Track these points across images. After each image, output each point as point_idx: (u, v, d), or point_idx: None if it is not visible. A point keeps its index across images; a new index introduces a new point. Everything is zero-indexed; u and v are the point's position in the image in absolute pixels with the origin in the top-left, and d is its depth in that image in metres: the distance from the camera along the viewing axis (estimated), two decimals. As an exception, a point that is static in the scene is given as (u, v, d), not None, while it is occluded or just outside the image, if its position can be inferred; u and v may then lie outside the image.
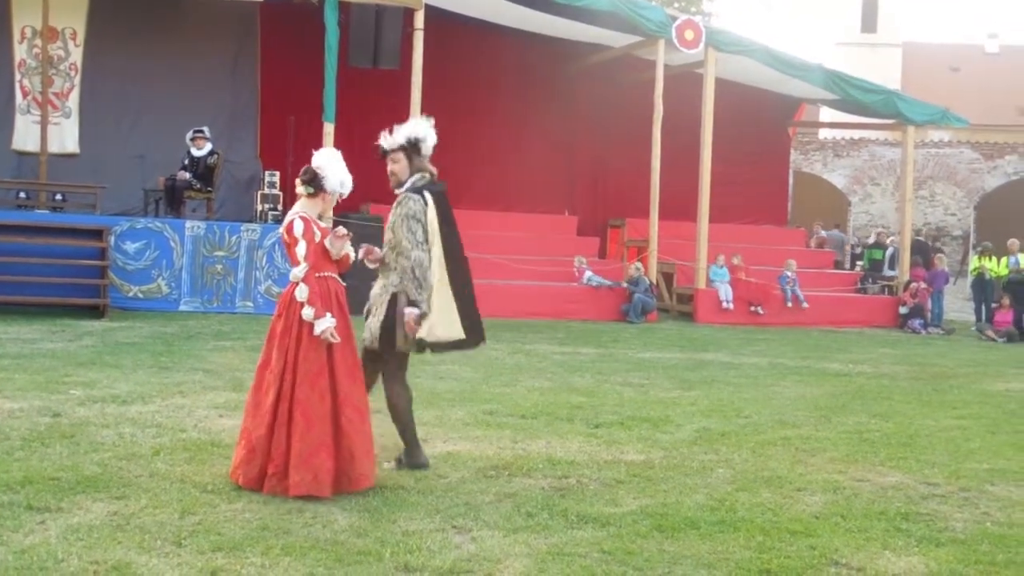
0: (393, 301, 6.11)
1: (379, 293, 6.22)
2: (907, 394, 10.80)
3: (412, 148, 6.29)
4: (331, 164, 5.98)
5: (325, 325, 5.61)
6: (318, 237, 5.78)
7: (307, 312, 5.62)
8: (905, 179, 21.91)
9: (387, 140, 6.32)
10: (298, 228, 5.76)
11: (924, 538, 5.39)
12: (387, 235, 6.25)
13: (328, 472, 5.57)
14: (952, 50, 48.42)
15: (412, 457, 6.38)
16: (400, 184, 6.29)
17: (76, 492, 5.42)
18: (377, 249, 6.28)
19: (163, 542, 4.72)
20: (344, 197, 6.10)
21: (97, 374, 9.26)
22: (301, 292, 5.67)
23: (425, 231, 6.09)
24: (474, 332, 6.31)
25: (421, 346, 6.19)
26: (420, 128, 6.35)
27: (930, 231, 30.52)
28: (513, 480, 6.24)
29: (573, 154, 21.55)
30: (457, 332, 6.21)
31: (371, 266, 6.29)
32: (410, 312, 6.02)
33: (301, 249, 5.73)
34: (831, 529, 5.48)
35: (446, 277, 6.18)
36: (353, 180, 6.07)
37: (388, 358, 6.25)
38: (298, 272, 5.72)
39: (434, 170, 6.38)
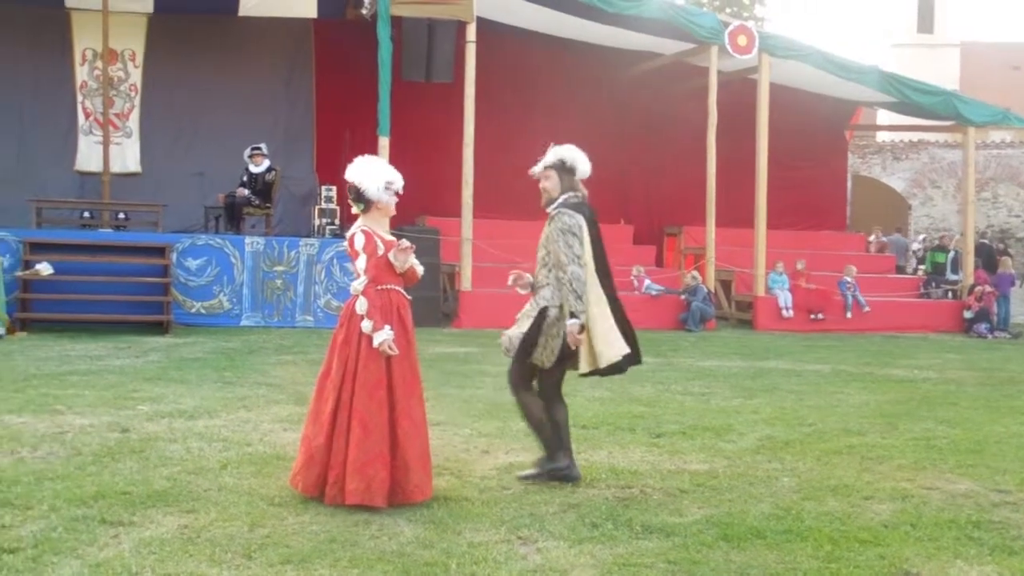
0: (541, 315, 6.24)
1: (528, 309, 6.36)
2: (974, 400, 10.63)
3: (563, 168, 6.43)
4: (364, 173, 5.92)
5: (383, 337, 5.64)
6: (380, 250, 5.80)
7: (366, 325, 5.66)
8: (967, 181, 21.62)
9: (542, 161, 6.51)
10: (359, 241, 5.79)
11: (996, 547, 5.30)
12: (539, 252, 6.39)
13: (382, 482, 5.59)
14: (1011, 48, 47.64)
15: (555, 462, 6.36)
16: (551, 201, 6.41)
17: (147, 506, 5.50)
18: (527, 275, 6.44)
19: (233, 555, 4.78)
20: (400, 193, 5.99)
21: (163, 389, 9.40)
22: (360, 305, 5.71)
23: (581, 245, 6.20)
24: (635, 352, 6.37)
25: (592, 371, 6.28)
26: (573, 153, 6.50)
27: (994, 233, 30.03)
28: (577, 491, 6.22)
29: (627, 163, 21.47)
30: (619, 352, 6.22)
31: (521, 292, 6.48)
32: (572, 324, 6.09)
33: (361, 263, 5.77)
34: (901, 538, 5.40)
35: (604, 299, 6.25)
36: (407, 191, 6.04)
37: (515, 367, 6.40)
38: (357, 285, 5.77)
39: (585, 191, 6.50)
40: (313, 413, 5.86)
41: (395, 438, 5.70)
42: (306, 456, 5.76)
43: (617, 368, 6.29)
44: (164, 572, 4.51)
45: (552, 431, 6.37)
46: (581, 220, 6.26)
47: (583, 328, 6.10)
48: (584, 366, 6.23)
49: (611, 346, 6.20)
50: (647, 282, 18.69)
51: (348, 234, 5.95)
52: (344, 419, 5.66)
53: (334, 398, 5.70)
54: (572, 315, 6.10)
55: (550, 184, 6.42)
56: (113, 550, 4.79)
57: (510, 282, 6.42)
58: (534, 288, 6.39)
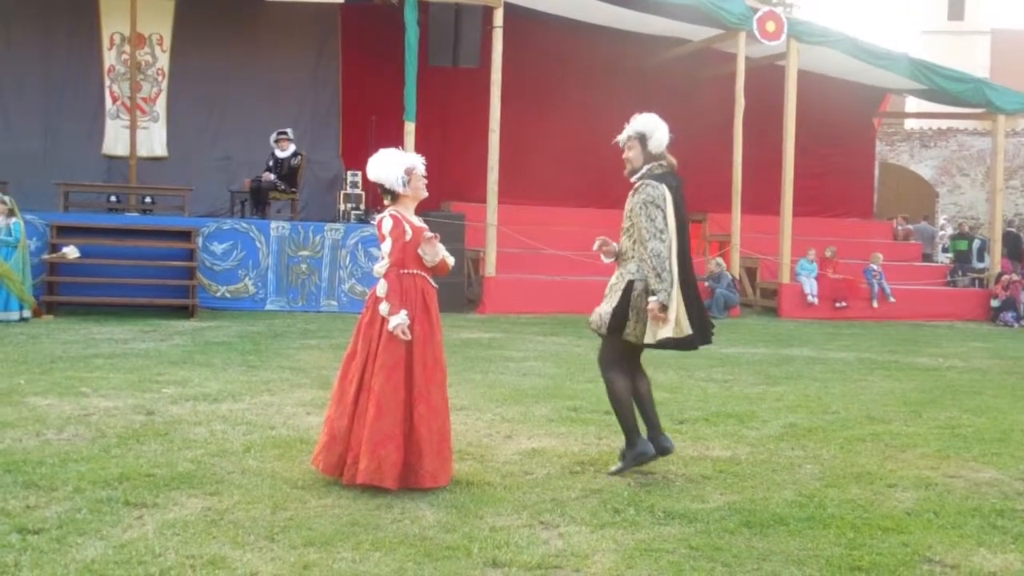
0: (628, 288, 6.12)
1: (615, 281, 6.25)
2: (1000, 389, 10.56)
3: (645, 138, 6.30)
4: (381, 169, 5.94)
5: (397, 321, 5.65)
6: (408, 235, 5.82)
7: (383, 307, 5.70)
8: (995, 169, 21.43)
9: (625, 131, 6.40)
10: (387, 225, 5.83)
11: (1020, 535, 5.27)
12: (624, 223, 6.29)
13: (394, 464, 5.60)
14: (1043, 36, 47.15)
15: (633, 448, 6.29)
16: (635, 171, 6.30)
17: (171, 488, 5.54)
18: (613, 243, 6.34)
19: (256, 537, 4.81)
20: (421, 176, 5.97)
21: (188, 373, 9.46)
22: (381, 288, 5.76)
23: (664, 218, 6.04)
24: (702, 331, 6.19)
25: (646, 344, 6.17)
26: (651, 123, 6.34)
27: (1022, 221, 29.75)
28: (599, 476, 6.23)
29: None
30: (683, 329, 6.03)
31: (606, 260, 6.37)
32: (652, 302, 5.95)
33: (386, 246, 5.80)
34: (924, 526, 5.38)
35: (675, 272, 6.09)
36: (432, 177, 6.05)
37: (607, 344, 6.28)
38: (380, 268, 5.81)
39: (674, 160, 6.33)
40: (337, 394, 5.90)
41: (410, 421, 5.72)
42: (328, 436, 5.81)
43: (684, 343, 6.11)
44: (187, 554, 4.55)
45: (611, 404, 6.33)
46: (664, 191, 6.09)
47: (664, 307, 5.92)
48: (648, 337, 6.08)
49: (672, 325, 5.99)
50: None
51: (377, 218, 5.98)
52: (364, 400, 5.70)
53: (358, 380, 5.75)
54: (652, 292, 5.97)
55: (633, 155, 6.30)
56: (137, 531, 4.83)
57: (595, 247, 6.28)
58: (619, 257, 6.29)
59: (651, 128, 6.31)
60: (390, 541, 4.82)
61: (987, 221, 23.86)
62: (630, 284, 6.12)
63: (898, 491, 6.11)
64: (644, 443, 6.28)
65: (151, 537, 4.74)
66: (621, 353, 6.30)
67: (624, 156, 6.36)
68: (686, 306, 6.06)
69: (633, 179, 6.28)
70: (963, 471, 6.68)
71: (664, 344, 6.06)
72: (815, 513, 5.54)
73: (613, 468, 6.30)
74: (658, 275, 5.94)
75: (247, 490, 5.57)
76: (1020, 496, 6.08)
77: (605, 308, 6.20)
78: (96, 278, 14.33)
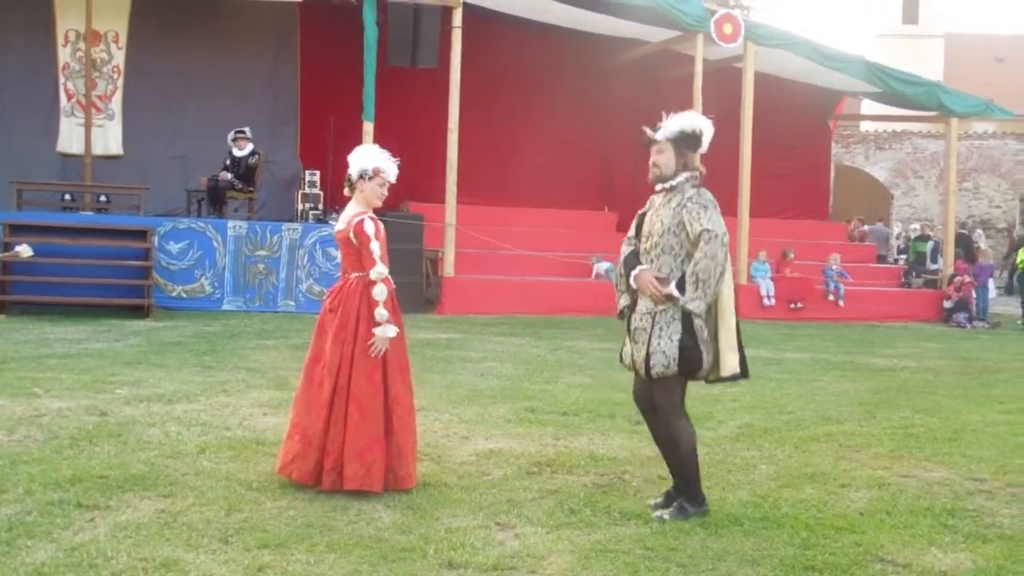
0: (688, 319, 5.30)
1: (660, 310, 5.37)
2: (952, 389, 10.69)
3: (686, 142, 5.43)
4: (361, 155, 5.92)
5: (389, 334, 5.65)
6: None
7: (382, 313, 5.63)
8: (949, 172, 21.68)
9: (659, 129, 5.49)
10: (370, 228, 5.72)
11: (971, 534, 5.34)
12: (658, 239, 5.42)
13: (381, 468, 5.60)
14: (995, 40, 47.80)
15: (701, 506, 5.49)
16: (663, 179, 5.46)
17: (124, 490, 5.49)
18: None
19: (210, 539, 4.77)
20: (383, 182, 5.83)
21: (143, 373, 9.37)
22: (380, 292, 5.67)
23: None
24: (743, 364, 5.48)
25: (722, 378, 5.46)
26: (700, 121, 5.50)
27: (974, 223, 30.16)
28: (556, 477, 6.24)
29: (611, 150, 21.43)
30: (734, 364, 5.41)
31: (667, 292, 5.33)
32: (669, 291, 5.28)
33: (376, 248, 5.70)
34: (876, 525, 5.43)
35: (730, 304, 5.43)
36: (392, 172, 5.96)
37: (668, 387, 5.42)
38: (382, 270, 5.69)
39: (704, 170, 5.50)
40: (304, 400, 5.80)
41: (390, 424, 5.71)
42: (303, 444, 5.69)
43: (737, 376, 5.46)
44: (140, 556, 4.51)
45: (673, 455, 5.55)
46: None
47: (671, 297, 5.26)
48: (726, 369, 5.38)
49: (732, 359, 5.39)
50: (603, 265, 18.56)
51: (353, 220, 5.79)
52: (342, 404, 5.64)
53: (331, 383, 5.67)
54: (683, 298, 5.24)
55: (663, 160, 5.43)
56: (88, 534, 4.77)
57: (635, 281, 5.41)
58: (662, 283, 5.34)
59: (697, 129, 5.45)
60: (345, 543, 4.80)
61: (940, 223, 24.14)
62: (688, 315, 5.28)
63: (851, 491, 6.17)
64: (706, 499, 5.55)
65: (103, 540, 4.69)
66: (683, 396, 5.52)
67: (652, 160, 5.48)
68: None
69: (658, 187, 5.51)
70: (915, 471, 6.76)
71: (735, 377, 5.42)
72: (769, 513, 5.58)
73: (667, 516, 5.39)
74: (703, 282, 5.22)
75: (201, 492, 5.53)
76: (971, 496, 6.16)
77: (664, 346, 5.29)
78: (50, 277, 14.14)
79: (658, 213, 5.46)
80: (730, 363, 5.37)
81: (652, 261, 5.42)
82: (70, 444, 6.48)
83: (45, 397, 8.00)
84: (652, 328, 5.34)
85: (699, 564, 4.73)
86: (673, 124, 5.46)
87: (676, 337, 5.28)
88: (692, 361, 5.30)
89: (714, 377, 5.45)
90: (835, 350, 14.07)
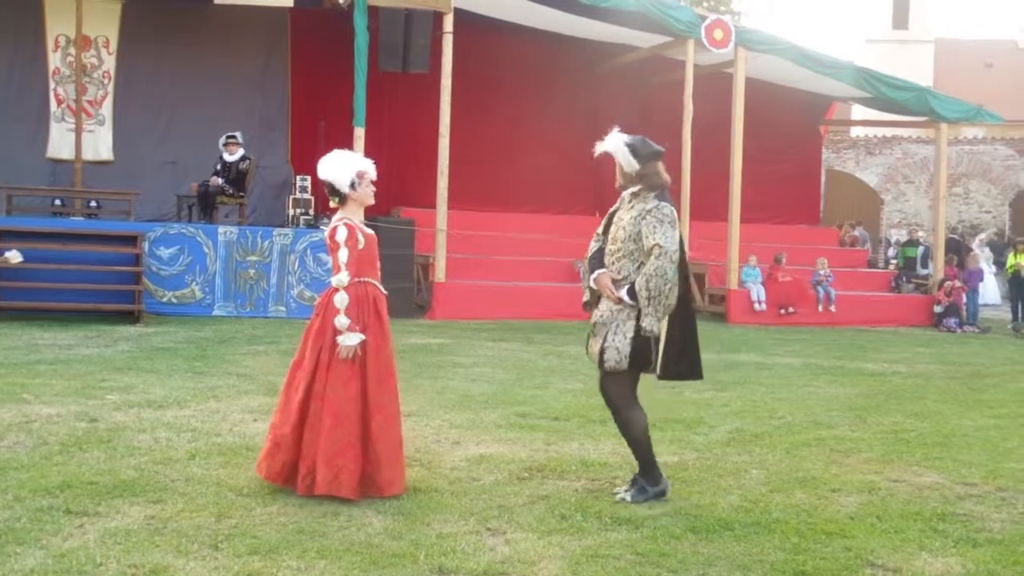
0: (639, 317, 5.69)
1: (609, 313, 5.84)
2: (943, 394, 10.72)
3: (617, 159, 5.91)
4: (334, 168, 5.86)
5: (351, 343, 5.61)
6: (361, 243, 5.77)
7: (341, 321, 5.62)
8: (939, 177, 21.73)
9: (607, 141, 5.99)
10: (341, 234, 5.72)
11: (961, 539, 5.35)
12: (619, 245, 5.85)
13: (351, 474, 5.57)
14: (985, 46, 47.89)
15: (658, 484, 5.92)
16: (624, 188, 5.97)
17: (114, 496, 5.47)
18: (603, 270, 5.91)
19: (200, 546, 4.76)
20: (370, 178, 5.86)
21: (133, 379, 9.34)
22: (341, 300, 5.66)
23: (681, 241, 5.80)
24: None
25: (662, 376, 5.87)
26: (609, 142, 6.00)
27: (965, 229, 30.23)
28: (546, 482, 6.24)
29: (602, 156, 21.41)
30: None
31: (614, 297, 5.81)
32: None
33: (344, 255, 5.69)
34: (867, 530, 5.45)
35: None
36: (382, 182, 5.96)
37: (620, 380, 5.83)
38: (343, 278, 5.68)
39: (667, 178, 5.98)
40: (283, 401, 5.86)
41: (368, 431, 5.68)
42: (271, 443, 5.76)
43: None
44: (129, 563, 4.49)
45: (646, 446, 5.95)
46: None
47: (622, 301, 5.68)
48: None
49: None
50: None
51: (330, 226, 5.85)
52: (316, 409, 5.64)
53: (305, 387, 5.68)
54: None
55: (617, 171, 5.97)
56: (78, 540, 4.76)
57: (591, 282, 5.90)
58: (616, 285, 5.79)
59: (606, 151, 5.95)
60: (336, 549, 4.79)
61: (931, 228, 24.20)
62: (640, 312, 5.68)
63: (842, 496, 6.18)
64: (665, 480, 5.96)
65: (92, 546, 4.68)
66: (633, 387, 5.90)
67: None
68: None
69: (625, 193, 5.95)
70: (906, 475, 6.77)
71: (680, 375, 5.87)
72: (760, 518, 5.59)
73: (628, 496, 5.85)
74: (654, 299, 5.63)
75: (191, 498, 5.52)
76: (961, 500, 6.17)
77: (618, 343, 5.71)
78: (40, 283, 14.09)
79: (623, 217, 5.90)
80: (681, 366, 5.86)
81: (613, 264, 5.86)
82: (60, 450, 6.46)
83: (35, 403, 7.97)
84: (610, 324, 5.79)
85: (689, 569, 4.73)
86: (600, 145, 6.01)
87: (630, 336, 5.71)
88: (643, 359, 5.74)
89: (663, 374, 5.87)
90: (826, 355, 14.09)
